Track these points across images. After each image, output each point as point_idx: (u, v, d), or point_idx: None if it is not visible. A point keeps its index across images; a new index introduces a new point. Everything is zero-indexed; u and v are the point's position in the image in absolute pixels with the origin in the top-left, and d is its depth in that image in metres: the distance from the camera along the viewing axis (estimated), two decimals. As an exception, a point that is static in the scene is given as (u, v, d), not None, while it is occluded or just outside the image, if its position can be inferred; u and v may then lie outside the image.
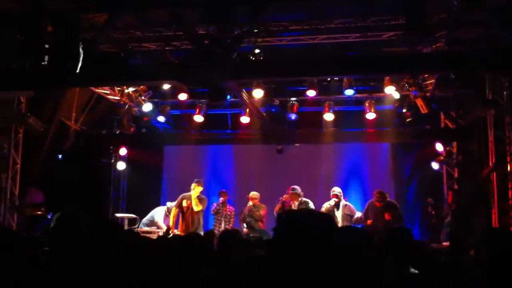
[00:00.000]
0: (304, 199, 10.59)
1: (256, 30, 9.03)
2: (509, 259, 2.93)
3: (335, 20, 9.11)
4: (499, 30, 7.57)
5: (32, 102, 10.46)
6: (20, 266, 3.13)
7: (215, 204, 11.16)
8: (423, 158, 12.34)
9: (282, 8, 8.55)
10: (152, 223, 11.13)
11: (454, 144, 11.92)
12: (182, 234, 9.87)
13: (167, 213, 11.19)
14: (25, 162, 10.63)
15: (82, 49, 7.32)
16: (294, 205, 10.51)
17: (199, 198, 10.56)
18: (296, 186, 10.62)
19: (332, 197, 10.38)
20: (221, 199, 11.07)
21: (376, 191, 10.53)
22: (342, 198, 10.51)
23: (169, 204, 11.30)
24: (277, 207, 10.55)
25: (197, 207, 10.47)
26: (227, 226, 10.85)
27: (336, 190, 10.52)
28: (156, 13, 8.78)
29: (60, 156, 11.25)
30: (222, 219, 11.00)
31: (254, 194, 11.02)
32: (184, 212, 10.65)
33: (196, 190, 10.57)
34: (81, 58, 7.31)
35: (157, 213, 11.24)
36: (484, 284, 2.99)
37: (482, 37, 8.55)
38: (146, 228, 10.85)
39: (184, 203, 10.62)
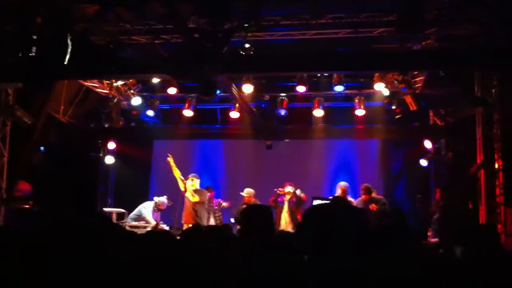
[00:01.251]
0: (298, 194, 10.66)
1: (246, 25, 8.98)
2: (493, 253, 2.96)
3: (326, 15, 9.08)
4: (492, 28, 7.60)
5: (19, 94, 10.35)
6: (10, 262, 3.08)
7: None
8: (412, 155, 12.38)
9: (273, 3, 8.51)
10: (139, 217, 11.07)
11: (443, 141, 11.97)
12: (185, 224, 10.01)
13: (155, 208, 11.15)
14: (12, 155, 10.53)
15: (71, 40, 7.25)
16: (286, 200, 10.57)
17: (195, 190, 10.53)
18: (291, 182, 10.72)
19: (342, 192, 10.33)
20: (208, 194, 11.09)
21: (362, 185, 10.56)
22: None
23: (156, 199, 11.26)
24: (271, 198, 10.63)
25: (193, 198, 10.45)
26: (217, 221, 10.88)
27: (343, 185, 10.52)
28: (147, 6, 8.71)
29: (42, 148, 11.11)
30: (211, 214, 11.02)
31: (248, 191, 10.97)
32: (187, 202, 10.64)
33: (193, 183, 10.53)
34: (69, 50, 7.24)
35: (145, 208, 11.17)
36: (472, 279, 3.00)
37: (474, 34, 8.58)
38: (134, 223, 10.80)
39: (187, 194, 10.61)
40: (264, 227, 3.79)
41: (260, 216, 3.88)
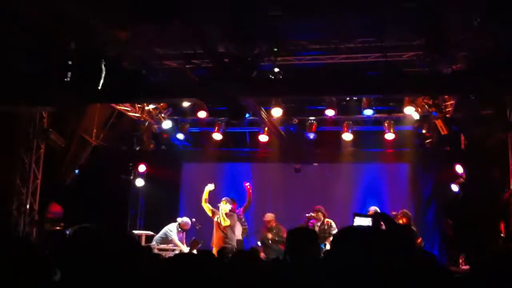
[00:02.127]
0: (328, 219, 10.58)
1: (275, 49, 9.08)
2: None
3: (355, 39, 9.11)
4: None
5: (54, 117, 10.61)
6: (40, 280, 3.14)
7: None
8: (442, 180, 12.19)
9: (301, 28, 8.59)
10: (165, 240, 11.10)
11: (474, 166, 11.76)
12: (215, 248, 10.03)
13: (179, 229, 11.21)
14: (45, 177, 10.75)
15: (105, 66, 7.43)
16: (317, 225, 10.50)
17: (227, 214, 10.58)
18: (320, 206, 10.66)
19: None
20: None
21: (401, 211, 10.41)
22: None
23: (179, 220, 11.34)
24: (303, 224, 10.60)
25: (224, 222, 10.50)
26: (243, 231, 10.97)
27: (372, 210, 10.42)
28: (178, 31, 8.87)
29: (77, 171, 11.32)
30: (238, 223, 11.06)
31: (268, 216, 10.99)
32: (217, 226, 10.67)
33: (225, 207, 10.58)
34: (103, 75, 7.42)
35: (170, 231, 11.19)
36: None
37: (502, 59, 8.48)
38: (162, 246, 10.85)
39: (216, 218, 10.67)
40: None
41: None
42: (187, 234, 11.47)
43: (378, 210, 10.42)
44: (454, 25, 7.71)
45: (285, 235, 10.97)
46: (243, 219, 11.41)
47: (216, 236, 10.53)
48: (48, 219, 10.59)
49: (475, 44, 8.24)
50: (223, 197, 10.85)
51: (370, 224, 3.45)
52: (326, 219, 10.61)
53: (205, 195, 10.67)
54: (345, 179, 13.02)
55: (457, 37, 8.29)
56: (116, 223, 12.16)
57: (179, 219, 11.38)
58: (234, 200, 11.41)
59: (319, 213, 10.64)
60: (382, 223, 3.13)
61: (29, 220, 10.43)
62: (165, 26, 8.27)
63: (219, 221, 10.49)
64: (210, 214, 10.63)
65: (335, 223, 10.61)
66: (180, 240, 11.06)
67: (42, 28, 7.69)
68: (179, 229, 11.23)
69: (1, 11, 7.10)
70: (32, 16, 7.66)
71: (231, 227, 10.53)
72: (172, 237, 11.08)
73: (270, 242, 10.75)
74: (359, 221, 4.03)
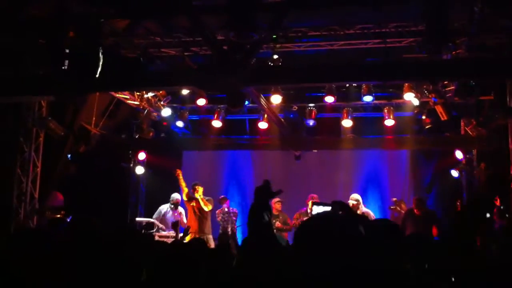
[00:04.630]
0: (366, 209, 10.61)
1: (274, 36, 9.04)
2: None
3: (354, 26, 9.07)
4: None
5: (52, 106, 10.59)
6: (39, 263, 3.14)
7: (220, 213, 11.30)
8: (443, 166, 12.20)
9: (301, 15, 8.55)
10: (160, 218, 11.32)
11: (474, 151, 11.77)
12: (196, 235, 10.04)
13: (172, 206, 11.41)
14: (45, 166, 10.76)
15: (102, 54, 7.39)
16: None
17: (206, 199, 10.68)
18: (314, 196, 10.69)
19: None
20: (225, 206, 11.32)
21: (416, 198, 10.40)
22: (360, 205, 10.39)
23: (170, 198, 11.48)
24: (295, 218, 10.68)
25: (207, 207, 10.65)
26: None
27: (353, 198, 10.41)
28: (176, 19, 8.84)
29: (69, 156, 11.28)
30: (229, 225, 11.11)
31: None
32: (195, 212, 10.80)
33: (199, 191, 10.75)
34: (101, 63, 7.39)
35: (162, 210, 11.44)
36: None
37: (504, 43, 8.45)
38: (164, 233, 10.90)
39: (193, 203, 10.79)
40: None
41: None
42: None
43: (360, 199, 10.41)
44: (454, 11, 7.66)
45: (290, 222, 11.02)
46: (234, 218, 11.38)
47: (193, 222, 10.67)
48: (49, 208, 10.61)
49: (476, 31, 8.21)
50: (196, 183, 10.99)
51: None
52: (364, 209, 10.52)
53: (181, 179, 10.88)
54: (345, 165, 13.03)
55: (458, 23, 8.26)
56: (116, 211, 12.19)
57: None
58: (226, 198, 11.49)
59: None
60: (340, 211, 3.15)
61: (30, 208, 10.44)
62: (165, 17, 8.25)
63: (198, 207, 10.63)
64: (186, 198, 10.79)
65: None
66: (176, 219, 11.11)
67: (42, 18, 7.67)
68: (172, 206, 11.37)
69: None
70: (30, 7, 7.65)
71: (209, 213, 10.70)
72: (166, 216, 11.29)
73: (276, 230, 10.68)
74: (317, 209, 4.05)
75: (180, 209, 11.50)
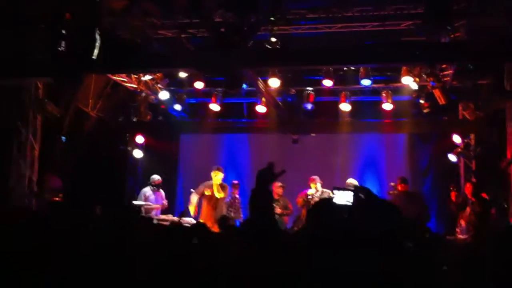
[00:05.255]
0: (324, 189, 10.63)
1: (272, 18, 8.98)
2: None
3: (353, 8, 9.02)
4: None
5: (49, 88, 10.54)
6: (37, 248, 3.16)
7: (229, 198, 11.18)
8: (440, 150, 12.21)
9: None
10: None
11: (472, 136, 11.77)
12: (208, 222, 9.94)
13: (153, 188, 11.21)
14: (43, 149, 10.73)
15: (99, 35, 7.35)
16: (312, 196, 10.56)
17: (221, 185, 10.58)
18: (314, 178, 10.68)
19: None
20: (235, 192, 11.16)
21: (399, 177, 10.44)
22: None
23: (150, 179, 11.35)
24: (300, 200, 10.68)
25: (219, 194, 10.50)
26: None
27: (350, 183, 10.43)
28: (174, 0, 8.77)
29: (63, 138, 11.22)
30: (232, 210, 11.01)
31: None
32: (208, 201, 10.66)
33: (217, 177, 10.59)
34: (97, 45, 7.35)
35: (146, 193, 11.25)
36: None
37: (503, 26, 8.41)
38: (163, 216, 10.88)
39: (207, 192, 10.63)
40: None
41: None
42: (187, 203, 11.46)
43: (357, 183, 10.43)
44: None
45: (290, 207, 11.05)
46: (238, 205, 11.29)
47: (206, 211, 10.53)
48: (47, 191, 10.62)
49: (475, 13, 8.16)
50: (218, 166, 10.82)
51: (351, 197, 3.48)
52: (323, 189, 10.65)
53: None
54: (343, 149, 13.03)
55: (457, 5, 8.21)
56: (114, 193, 12.19)
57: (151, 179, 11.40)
58: (238, 185, 11.33)
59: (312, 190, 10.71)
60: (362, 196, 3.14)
61: (28, 191, 10.44)
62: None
63: (212, 193, 10.46)
64: (208, 193, 10.59)
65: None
66: (157, 200, 11.07)
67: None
68: (153, 188, 11.23)
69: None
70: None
71: (223, 200, 10.55)
72: (149, 199, 11.10)
73: (277, 216, 10.61)
74: (339, 194, 4.03)
75: (162, 191, 11.38)
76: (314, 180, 10.77)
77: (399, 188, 10.05)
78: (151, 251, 3.37)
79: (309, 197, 10.59)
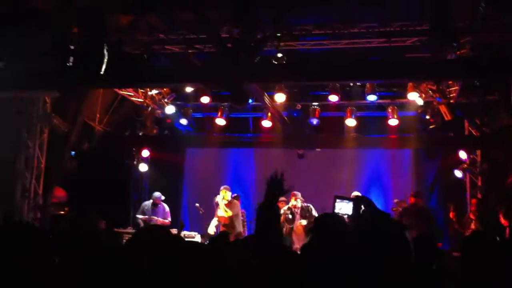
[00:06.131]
0: (306, 204, 10.71)
1: (279, 34, 9.04)
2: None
3: (359, 24, 9.06)
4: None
5: (56, 102, 10.60)
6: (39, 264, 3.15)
7: None
8: (446, 166, 12.18)
9: (305, 12, 8.54)
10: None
11: (478, 152, 11.74)
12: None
13: (153, 206, 11.20)
14: (49, 162, 10.77)
15: (107, 50, 7.41)
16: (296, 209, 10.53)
17: (228, 204, 10.57)
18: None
19: None
20: None
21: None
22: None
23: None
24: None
25: (226, 213, 10.50)
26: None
27: (354, 196, 10.38)
28: (180, 15, 8.84)
29: (73, 153, 11.26)
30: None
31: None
32: (219, 220, 10.69)
33: (225, 196, 10.60)
34: (105, 60, 7.40)
35: (147, 210, 11.25)
36: None
37: (508, 42, 8.43)
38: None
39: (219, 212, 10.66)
40: None
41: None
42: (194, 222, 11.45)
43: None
44: (458, 10, 7.65)
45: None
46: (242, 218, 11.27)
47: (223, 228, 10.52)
48: (52, 204, 10.64)
49: (480, 29, 8.18)
50: (226, 186, 10.83)
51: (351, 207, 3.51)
52: (304, 204, 10.72)
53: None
54: (348, 165, 13.03)
55: (462, 22, 8.23)
56: (119, 208, 12.21)
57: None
58: (239, 197, 11.34)
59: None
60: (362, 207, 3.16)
61: (33, 204, 10.46)
62: (169, 13, 8.24)
63: (220, 214, 10.49)
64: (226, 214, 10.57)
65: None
66: (155, 214, 11.07)
67: (46, 12, 7.67)
68: (152, 207, 11.22)
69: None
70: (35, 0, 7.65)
71: (236, 216, 10.52)
72: (146, 213, 11.13)
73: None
74: (340, 204, 4.04)
75: (163, 206, 11.35)
76: (295, 195, 10.70)
77: (411, 201, 10.06)
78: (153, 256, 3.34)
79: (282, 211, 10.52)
